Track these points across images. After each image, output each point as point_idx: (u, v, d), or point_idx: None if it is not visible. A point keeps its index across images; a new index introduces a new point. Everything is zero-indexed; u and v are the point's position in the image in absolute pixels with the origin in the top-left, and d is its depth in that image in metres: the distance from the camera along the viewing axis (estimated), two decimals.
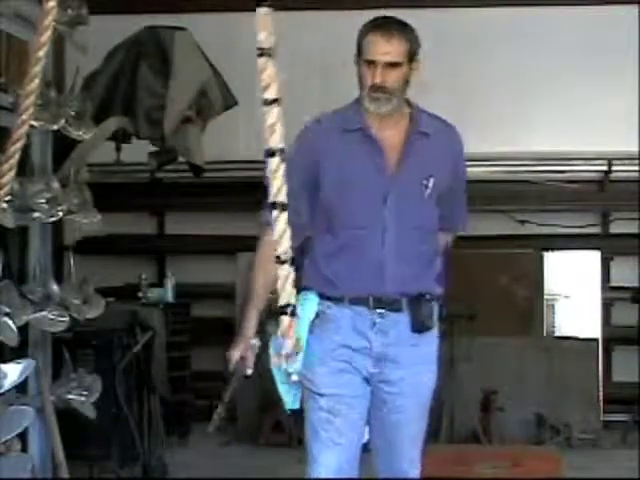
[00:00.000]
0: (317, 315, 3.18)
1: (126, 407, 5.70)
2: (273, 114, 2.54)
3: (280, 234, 2.55)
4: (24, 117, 2.56)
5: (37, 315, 3.94)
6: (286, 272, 2.52)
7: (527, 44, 8.30)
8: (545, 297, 7.89)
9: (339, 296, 3.18)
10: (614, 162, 8.23)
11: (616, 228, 8.49)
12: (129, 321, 5.95)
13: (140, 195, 8.74)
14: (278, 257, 2.54)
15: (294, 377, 2.90)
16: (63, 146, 4.50)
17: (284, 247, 2.55)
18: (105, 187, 6.79)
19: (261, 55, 2.56)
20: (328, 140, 3.18)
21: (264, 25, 2.61)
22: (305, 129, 3.23)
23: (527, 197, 8.35)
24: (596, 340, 7.48)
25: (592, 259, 7.97)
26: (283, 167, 2.53)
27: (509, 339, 7.26)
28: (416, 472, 3.28)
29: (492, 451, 6.27)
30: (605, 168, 8.31)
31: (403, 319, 3.17)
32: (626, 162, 8.14)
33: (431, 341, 3.25)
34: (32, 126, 3.46)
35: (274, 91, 2.58)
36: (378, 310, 3.16)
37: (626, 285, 8.21)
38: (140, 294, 7.30)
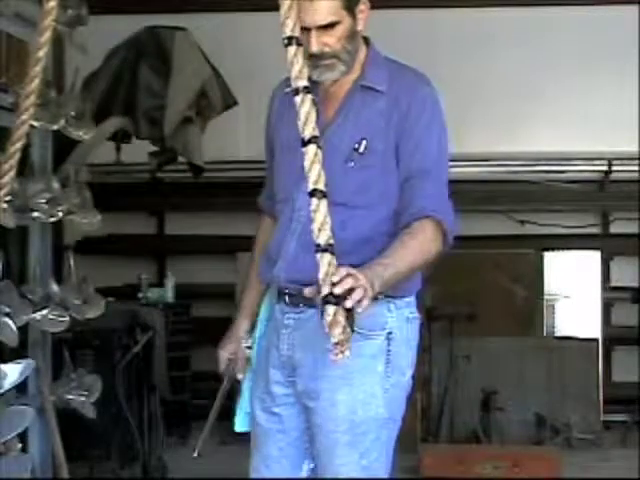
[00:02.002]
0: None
1: (126, 407, 5.69)
2: (306, 102, 2.43)
3: (321, 222, 2.36)
4: (24, 117, 2.56)
5: (37, 315, 3.93)
6: (327, 260, 2.32)
7: (527, 44, 8.30)
8: (545, 297, 7.88)
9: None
10: (614, 162, 8.22)
11: (616, 228, 8.49)
12: (129, 321, 5.95)
13: (140, 195, 8.73)
14: (318, 245, 2.34)
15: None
16: (63, 146, 4.49)
17: (325, 236, 2.35)
18: (105, 187, 6.81)
19: (289, 44, 2.46)
20: (278, 104, 2.83)
21: (290, 13, 2.49)
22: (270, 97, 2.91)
23: (527, 197, 8.35)
24: (596, 340, 7.48)
25: (592, 259, 7.97)
26: (320, 154, 2.37)
27: (509, 339, 7.25)
28: None
29: (492, 451, 6.27)
30: (605, 168, 8.30)
31: (314, 317, 2.50)
32: (626, 162, 8.14)
33: (355, 352, 2.36)
34: (32, 126, 3.46)
35: (305, 80, 2.46)
36: (285, 303, 2.71)
37: (626, 285, 8.21)
38: (140, 294, 7.29)
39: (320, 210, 2.36)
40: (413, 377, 2.77)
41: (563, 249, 8.11)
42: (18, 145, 2.57)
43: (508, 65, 8.30)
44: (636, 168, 8.02)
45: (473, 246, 7.90)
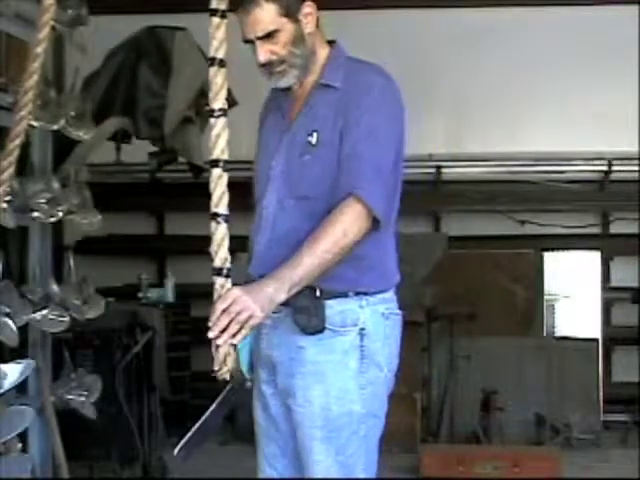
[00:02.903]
0: None
1: (126, 407, 5.69)
2: (219, 125, 2.58)
3: (217, 245, 2.57)
4: (23, 113, 2.56)
5: (37, 315, 3.93)
6: (221, 284, 2.56)
7: (527, 44, 8.31)
8: (545, 297, 7.88)
9: None
10: (614, 162, 8.23)
11: (616, 228, 8.50)
12: (129, 321, 5.95)
13: (140, 195, 8.73)
14: (214, 269, 2.57)
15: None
16: (63, 146, 4.49)
17: (222, 258, 2.57)
18: (105, 187, 6.80)
19: (212, 64, 2.58)
20: (262, 112, 2.92)
21: (217, 34, 2.62)
22: None
23: (527, 197, 8.35)
24: (596, 340, 7.48)
25: (592, 259, 7.97)
26: (225, 177, 2.56)
27: (509, 339, 7.25)
28: None
29: (492, 451, 6.27)
30: (605, 168, 8.31)
31: (287, 316, 2.63)
32: (626, 162, 8.15)
33: (327, 349, 2.60)
34: (32, 126, 3.46)
35: (221, 102, 2.60)
36: None
37: (626, 285, 8.21)
38: (140, 294, 7.29)
39: (217, 233, 2.56)
40: (396, 374, 2.76)
41: (563, 249, 8.11)
42: (17, 142, 2.56)
43: (508, 65, 8.30)
44: (636, 168, 8.03)
45: (473, 246, 7.91)
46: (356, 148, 2.60)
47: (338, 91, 2.67)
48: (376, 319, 2.68)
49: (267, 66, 2.68)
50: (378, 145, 2.63)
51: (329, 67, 2.73)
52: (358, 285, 2.64)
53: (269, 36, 2.64)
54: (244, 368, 2.70)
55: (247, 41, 2.68)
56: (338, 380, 2.64)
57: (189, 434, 2.71)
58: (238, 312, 2.47)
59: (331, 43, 2.81)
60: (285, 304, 2.55)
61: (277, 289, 2.49)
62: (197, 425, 2.73)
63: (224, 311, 2.48)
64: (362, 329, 2.65)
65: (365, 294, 2.66)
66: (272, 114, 2.81)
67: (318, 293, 2.60)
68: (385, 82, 2.69)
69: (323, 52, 2.77)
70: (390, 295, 2.74)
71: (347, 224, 2.54)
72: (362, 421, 2.67)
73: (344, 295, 2.59)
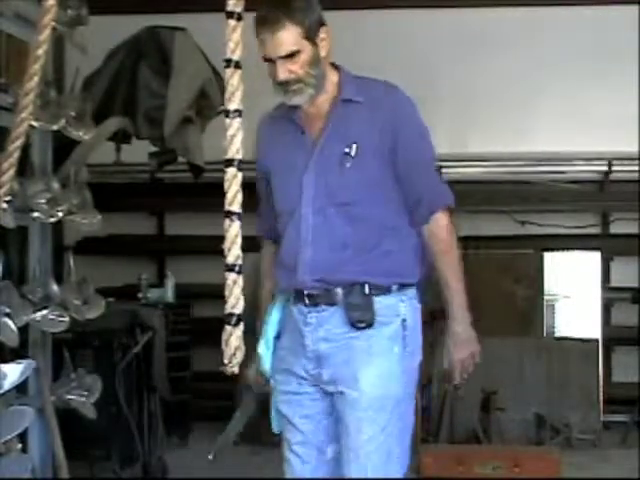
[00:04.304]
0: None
1: (126, 407, 5.70)
2: (234, 125, 2.64)
3: (230, 242, 2.63)
4: (23, 115, 2.56)
5: (37, 315, 3.93)
6: (233, 279, 2.61)
7: (528, 45, 8.31)
8: (545, 297, 7.88)
9: (281, 294, 3.05)
10: (614, 162, 8.23)
11: (616, 228, 8.49)
12: (129, 321, 5.95)
13: (140, 195, 8.73)
14: (227, 265, 2.64)
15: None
16: (63, 146, 4.49)
17: (234, 255, 2.64)
18: (105, 187, 6.81)
19: (227, 66, 2.63)
20: (264, 133, 3.12)
21: (233, 36, 2.68)
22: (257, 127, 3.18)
23: (527, 197, 8.35)
24: (596, 340, 7.48)
25: (592, 259, 7.97)
26: (239, 177, 2.67)
27: (509, 339, 7.25)
28: None
29: (492, 451, 6.27)
30: (605, 168, 8.31)
31: (335, 313, 2.91)
32: (626, 162, 8.14)
33: (375, 337, 2.90)
34: (32, 126, 3.46)
35: (237, 103, 2.67)
36: (306, 304, 2.94)
37: (626, 285, 8.21)
38: (140, 294, 7.29)
39: (230, 230, 2.65)
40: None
41: (563, 249, 8.11)
42: (18, 143, 2.57)
43: (508, 65, 8.30)
44: (636, 168, 8.03)
45: (474, 246, 7.90)
46: (418, 162, 2.96)
47: (363, 105, 2.92)
48: (413, 311, 3.01)
49: (284, 84, 2.88)
50: (430, 152, 3.01)
51: (345, 84, 2.96)
52: (400, 278, 2.96)
53: (290, 56, 2.85)
54: (266, 368, 3.02)
55: (267, 59, 2.87)
56: (384, 366, 2.91)
57: (220, 438, 3.13)
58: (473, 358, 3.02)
59: (333, 65, 3.03)
60: (332, 303, 2.89)
61: (467, 323, 3.08)
62: (227, 429, 3.14)
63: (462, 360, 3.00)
64: (404, 320, 2.96)
65: (404, 287, 2.97)
66: (281, 130, 3.02)
67: (367, 290, 2.89)
68: (406, 95, 2.99)
69: (333, 73, 2.99)
70: (415, 291, 3.06)
71: (452, 236, 3.01)
72: (403, 403, 2.95)
73: (388, 290, 2.91)
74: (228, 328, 2.74)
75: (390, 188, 2.93)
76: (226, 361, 2.70)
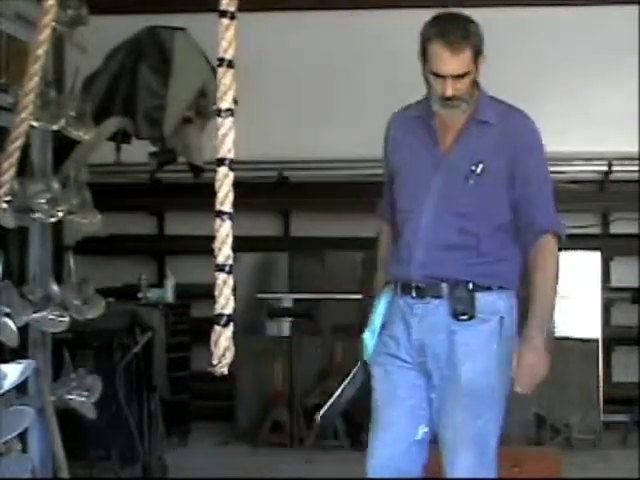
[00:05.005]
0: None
1: (126, 407, 5.70)
2: (226, 124, 2.64)
3: (221, 241, 2.64)
4: (23, 115, 2.56)
5: (37, 315, 3.93)
6: (223, 279, 2.63)
7: (527, 44, 8.31)
8: None
9: (391, 283, 3.29)
10: (614, 162, 8.23)
11: (616, 228, 8.50)
12: (129, 321, 5.95)
13: (140, 195, 8.74)
14: (217, 265, 2.66)
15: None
16: (63, 146, 4.49)
17: (225, 255, 2.65)
18: (105, 187, 6.80)
19: (220, 65, 2.63)
20: (397, 130, 3.34)
21: (226, 35, 2.68)
22: (387, 122, 3.41)
23: None
24: (596, 340, 7.48)
25: (592, 259, 7.97)
26: (231, 176, 2.65)
27: None
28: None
29: None
30: (605, 168, 8.31)
31: (440, 306, 3.18)
32: (626, 162, 8.15)
33: (475, 332, 3.17)
34: (32, 126, 3.46)
35: (229, 102, 2.67)
36: (413, 296, 3.20)
37: (626, 285, 8.21)
38: (140, 294, 7.29)
39: (221, 230, 2.66)
40: None
41: (563, 249, 8.09)
42: (17, 143, 2.56)
43: (507, 65, 8.29)
44: (636, 168, 8.03)
45: None
46: (537, 190, 3.27)
47: (494, 127, 3.21)
48: (510, 310, 3.23)
49: (448, 99, 3.14)
50: (548, 182, 3.37)
51: (482, 105, 3.24)
52: (501, 281, 3.21)
53: (460, 76, 3.11)
54: (368, 353, 3.26)
55: (435, 74, 3.12)
56: (483, 359, 3.17)
57: (330, 401, 3.30)
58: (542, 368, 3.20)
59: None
60: (438, 296, 3.15)
61: (543, 335, 3.17)
62: (337, 393, 3.30)
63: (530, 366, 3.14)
64: (502, 317, 3.19)
65: (505, 289, 3.21)
66: (415, 135, 3.27)
67: (471, 287, 3.15)
68: (534, 124, 3.38)
69: (475, 92, 3.25)
70: (514, 292, 3.28)
71: (554, 259, 3.23)
72: (497, 393, 3.25)
73: (489, 289, 3.17)
74: (217, 329, 2.74)
75: (504, 208, 3.20)
76: (215, 362, 2.70)
